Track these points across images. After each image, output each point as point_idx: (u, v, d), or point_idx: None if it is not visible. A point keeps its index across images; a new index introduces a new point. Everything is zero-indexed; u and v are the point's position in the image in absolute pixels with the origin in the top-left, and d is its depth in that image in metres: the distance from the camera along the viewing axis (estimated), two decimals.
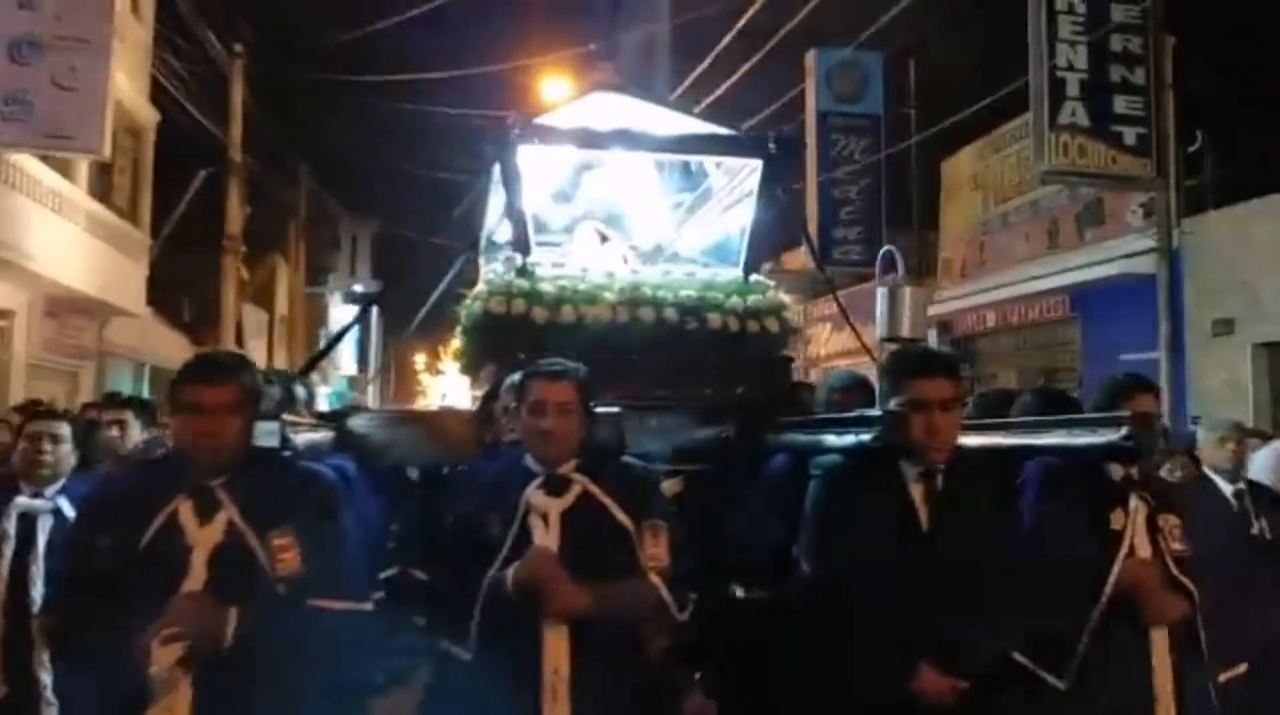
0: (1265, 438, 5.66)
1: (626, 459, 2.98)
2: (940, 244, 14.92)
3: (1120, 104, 9.67)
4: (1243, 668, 3.12)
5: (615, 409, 3.32)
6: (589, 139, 4.64)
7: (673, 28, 19.31)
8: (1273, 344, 9.01)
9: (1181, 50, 9.78)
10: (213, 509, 2.49)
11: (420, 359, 38.84)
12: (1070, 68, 9.58)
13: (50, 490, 3.92)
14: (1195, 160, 9.95)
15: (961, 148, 13.98)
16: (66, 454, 3.97)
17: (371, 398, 33.40)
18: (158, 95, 14.60)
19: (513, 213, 4.53)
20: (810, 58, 15.46)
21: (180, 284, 17.91)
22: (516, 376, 3.18)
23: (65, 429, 4.01)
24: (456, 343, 5.26)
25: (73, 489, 3.87)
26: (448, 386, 24.50)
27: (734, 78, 14.73)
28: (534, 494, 2.74)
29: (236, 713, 2.40)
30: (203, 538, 2.45)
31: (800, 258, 14.78)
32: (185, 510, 2.48)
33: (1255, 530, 4.43)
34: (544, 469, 2.80)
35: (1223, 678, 3.02)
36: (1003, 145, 12.80)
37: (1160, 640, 2.84)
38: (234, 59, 16.27)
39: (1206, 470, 4.56)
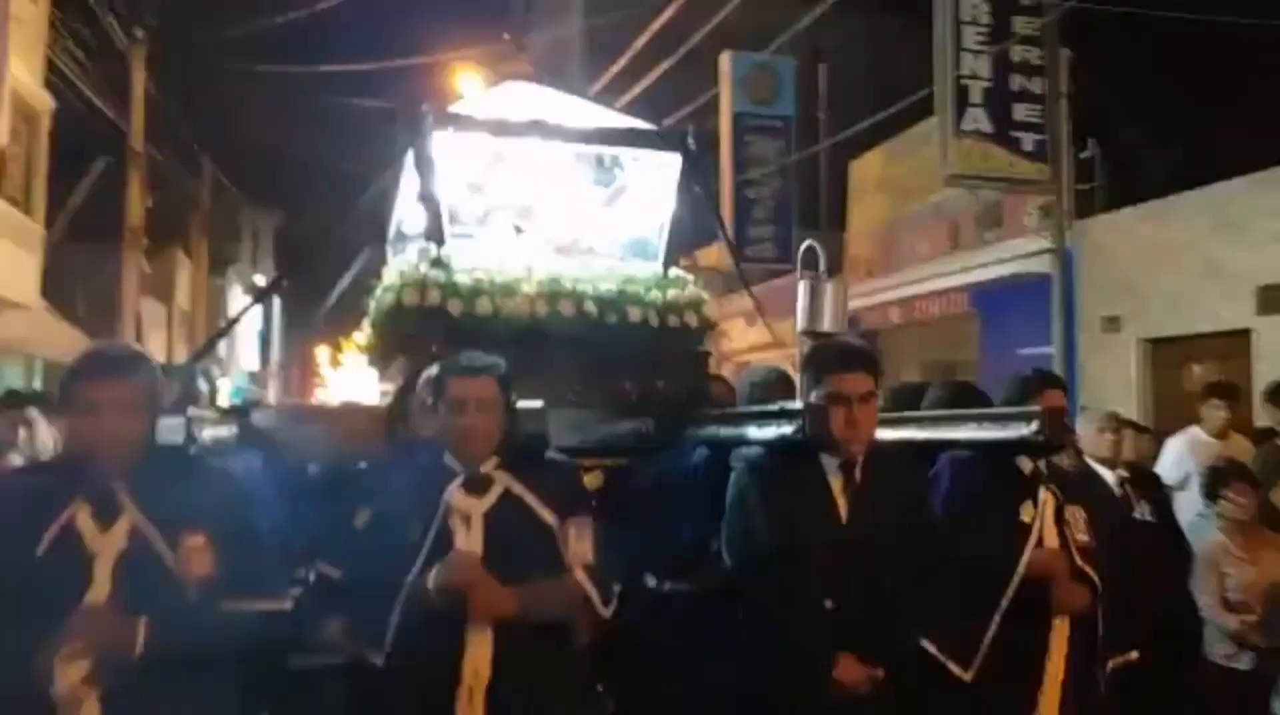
0: (1139, 430, 6.06)
1: (549, 454, 2.93)
2: (848, 243, 15.37)
3: (1020, 111, 10.13)
4: (1134, 654, 3.21)
5: (538, 403, 3.30)
6: (505, 128, 4.54)
7: (586, 29, 19.41)
8: (1157, 340, 9.59)
9: (1077, 62, 10.30)
10: (114, 513, 2.33)
11: (323, 352, 38.11)
12: (974, 76, 10.01)
13: None
14: (1087, 166, 10.50)
15: (869, 150, 14.44)
16: None
17: (273, 393, 32.70)
18: (53, 80, 14.08)
19: (427, 201, 4.42)
20: (725, 60, 15.76)
21: (75, 276, 17.30)
22: (434, 371, 3.09)
23: None
24: (364, 335, 5.19)
25: None
26: (351, 381, 24.05)
27: (649, 79, 14.90)
28: (455, 494, 2.67)
29: None
30: (105, 545, 2.29)
31: (715, 254, 15.03)
32: (83, 516, 2.30)
33: (1138, 514, 4.74)
34: (464, 467, 2.73)
35: (1112, 664, 3.10)
36: (907, 149, 13.27)
37: (1061, 629, 2.93)
38: (135, 44, 15.75)
39: (1088, 459, 4.78)
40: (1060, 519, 3.02)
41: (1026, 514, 2.98)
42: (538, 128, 4.55)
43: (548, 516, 2.70)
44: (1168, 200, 9.40)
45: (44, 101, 13.83)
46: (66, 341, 17.19)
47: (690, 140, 4.76)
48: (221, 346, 27.53)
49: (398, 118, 4.50)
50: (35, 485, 2.43)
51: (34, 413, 4.82)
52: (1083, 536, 3.04)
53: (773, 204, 15.96)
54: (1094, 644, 2.99)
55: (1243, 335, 8.56)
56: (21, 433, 4.66)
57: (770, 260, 15.23)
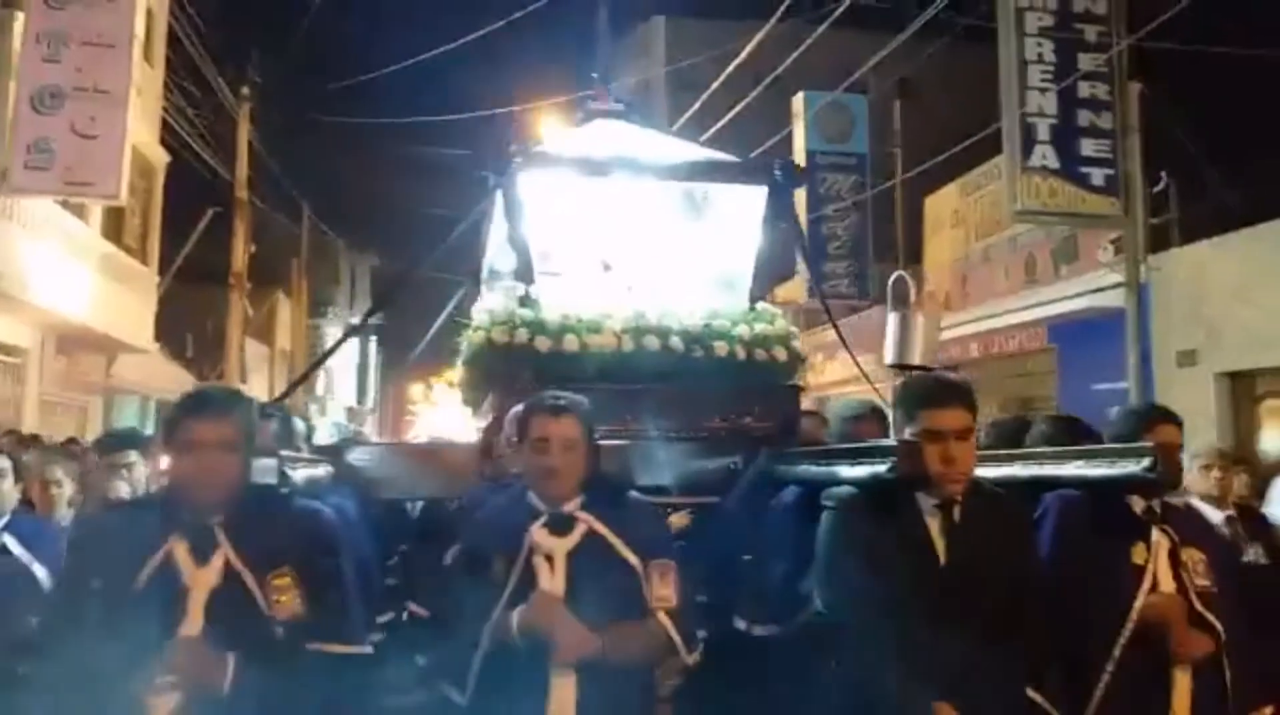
0: (1246, 466, 5.64)
1: (633, 494, 2.87)
2: (925, 277, 15.41)
3: (1088, 147, 10.17)
4: (1269, 711, 2.94)
5: (622, 442, 3.27)
6: (591, 166, 4.54)
7: (668, 73, 19.92)
8: (1233, 373, 9.47)
9: (1146, 95, 10.30)
10: (209, 549, 2.38)
11: (418, 390, 39.23)
12: (1040, 113, 10.10)
13: None
14: (1160, 200, 10.45)
15: (944, 185, 14.52)
16: (8, 489, 3.64)
17: (370, 429, 33.73)
18: (166, 136, 15.09)
19: (515, 241, 4.45)
20: (798, 100, 16.04)
21: (184, 320, 18.34)
22: (518, 409, 3.08)
23: (4, 462, 3.69)
24: (457, 373, 5.24)
25: (21, 526, 3.60)
26: (443, 418, 24.65)
27: (724, 120, 15.26)
28: (538, 533, 2.64)
29: None
30: (200, 579, 2.35)
31: (793, 289, 15.25)
32: (181, 551, 2.37)
33: (1248, 557, 4.37)
34: (548, 506, 2.70)
35: None
36: (981, 184, 13.33)
37: (1183, 679, 2.72)
38: (241, 101, 16.79)
39: (1192, 499, 4.40)
40: (1176, 561, 2.82)
41: (1139, 556, 2.79)
42: (624, 164, 4.55)
43: (631, 557, 2.65)
44: (1242, 233, 9.33)
45: (159, 157, 14.83)
46: (177, 382, 18.24)
47: (777, 171, 4.71)
48: (320, 384, 28.66)
49: (487, 159, 4.56)
50: (137, 519, 2.51)
51: (133, 456, 4.64)
52: (1202, 580, 2.83)
53: (848, 240, 16.13)
54: (1221, 697, 2.77)
55: None
56: (122, 476, 4.42)
57: (846, 296, 15.36)
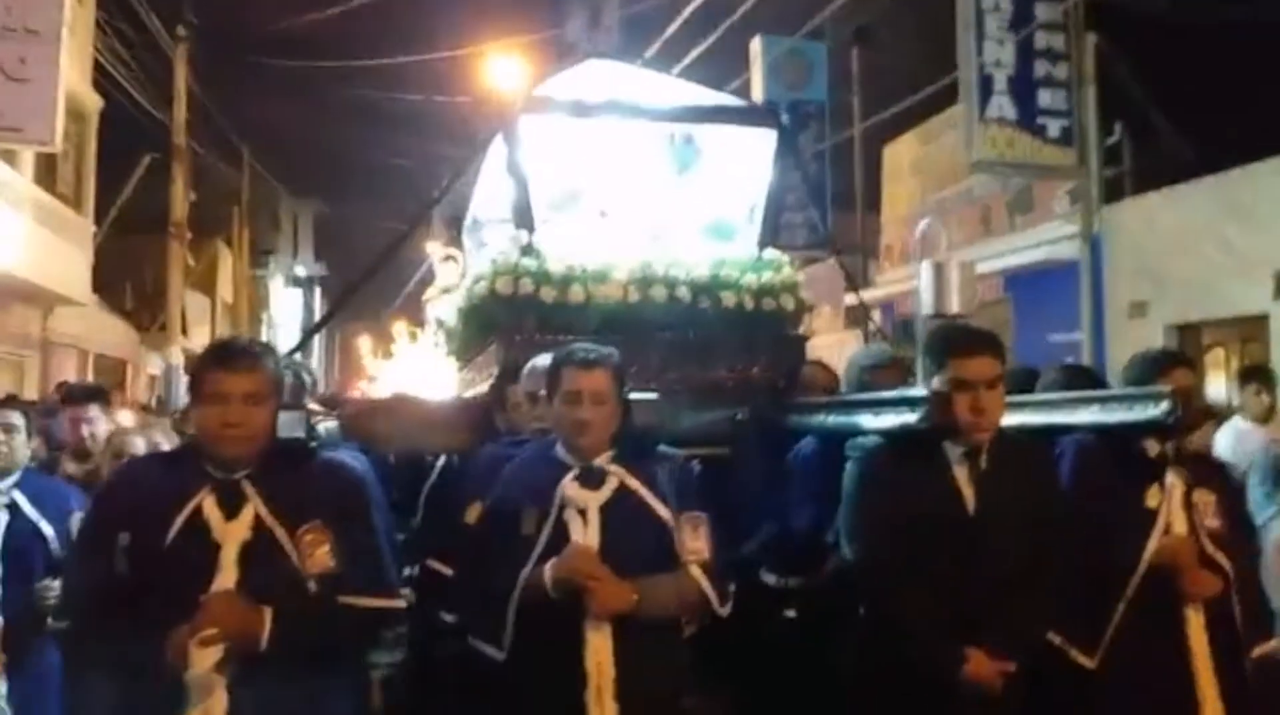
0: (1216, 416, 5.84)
1: (663, 448, 2.84)
2: (882, 228, 15.45)
3: (1045, 98, 10.20)
4: (1275, 642, 2.98)
5: (653, 396, 3.24)
6: (593, 109, 4.39)
7: (623, 12, 19.53)
8: (1182, 326, 9.64)
9: (1102, 47, 10.32)
10: (239, 503, 2.35)
11: (365, 343, 38.66)
12: (998, 64, 10.08)
13: (4, 484, 3.52)
14: (1115, 151, 10.53)
15: (903, 134, 14.49)
16: (20, 445, 3.61)
17: (320, 385, 33.12)
18: (100, 78, 14.50)
19: (517, 188, 4.32)
20: (755, 45, 15.82)
21: (123, 271, 17.83)
22: (541, 361, 3.04)
23: (19, 419, 3.66)
24: (446, 324, 5.08)
25: (30, 483, 3.58)
26: (403, 372, 24.33)
27: (683, 64, 15.02)
28: (570, 487, 2.61)
29: None
30: (230, 534, 2.32)
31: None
32: (209, 505, 2.34)
33: None
34: (579, 461, 2.66)
35: (1257, 652, 2.90)
36: (939, 133, 13.33)
37: (1195, 619, 2.77)
38: (178, 42, 16.16)
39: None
40: (1189, 503, 2.86)
41: (1153, 499, 2.83)
42: (625, 107, 4.42)
43: (663, 511, 2.63)
44: (1189, 185, 9.45)
45: (92, 101, 14.24)
46: (116, 335, 17.76)
47: (785, 115, 4.87)
48: (264, 337, 28.12)
49: (483, 104, 4.50)
50: (164, 473, 2.47)
51: (95, 410, 4.67)
52: (1213, 522, 2.86)
53: (806, 190, 16.02)
54: (1234, 634, 2.83)
55: (1261, 320, 8.61)
56: (85, 431, 4.50)
57: (803, 246, 15.31)
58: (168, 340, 16.45)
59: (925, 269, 5.47)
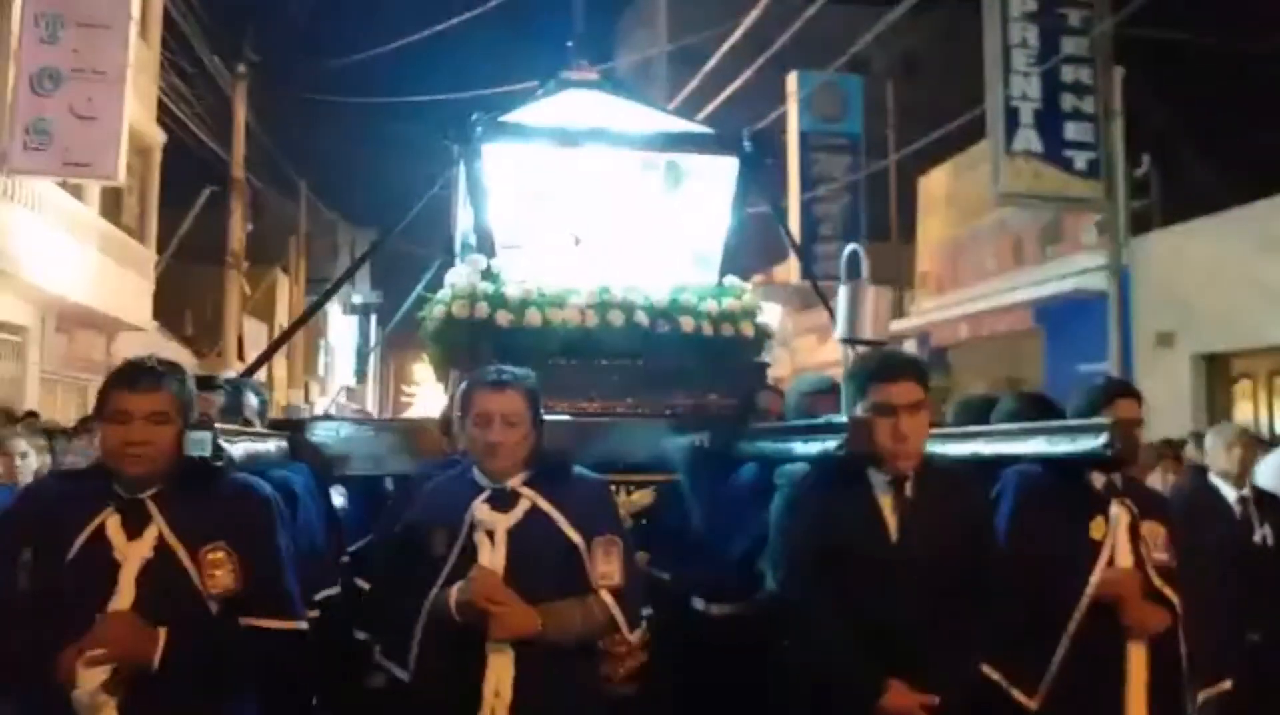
0: (1266, 445, 5.65)
1: (578, 470, 2.80)
2: (917, 258, 15.56)
3: (1071, 131, 10.32)
4: (1227, 684, 2.96)
5: (564, 417, 3.18)
6: (557, 135, 4.41)
7: (669, 46, 19.96)
8: (1210, 356, 9.65)
9: (1128, 80, 10.42)
10: (142, 523, 2.35)
11: (418, 368, 39.39)
12: (1024, 97, 10.24)
13: None
14: (1142, 183, 10.59)
15: (938, 165, 14.64)
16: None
17: (372, 407, 33.85)
18: (163, 115, 15.18)
19: (477, 213, 4.34)
20: (791, 80, 16.10)
21: (183, 298, 18.48)
22: (462, 385, 2.99)
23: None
24: (427, 349, 5.10)
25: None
26: (427, 395, 24.80)
27: (722, 96, 15.32)
28: (480, 508, 2.60)
29: None
30: (131, 553, 2.32)
31: (789, 270, 15.38)
32: (113, 524, 2.34)
33: (1258, 537, 4.33)
34: (491, 482, 2.65)
35: (1203, 696, 2.89)
36: (971, 166, 13.45)
37: (1137, 654, 2.72)
38: (237, 80, 16.86)
39: (1213, 477, 4.44)
40: (1135, 536, 2.81)
41: (1097, 530, 2.78)
42: (590, 134, 4.44)
43: (574, 535, 2.60)
44: (1217, 217, 9.50)
45: (156, 137, 14.90)
46: (177, 360, 18.39)
47: (747, 143, 4.61)
48: (320, 363, 28.83)
49: (447, 129, 4.45)
50: (70, 491, 2.47)
51: None
52: (1161, 555, 2.82)
53: (841, 220, 16.25)
54: (1177, 671, 2.78)
55: None
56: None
57: (837, 277, 15.47)
58: (225, 365, 17.05)
59: (843, 293, 5.56)
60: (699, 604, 3.41)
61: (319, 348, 29.93)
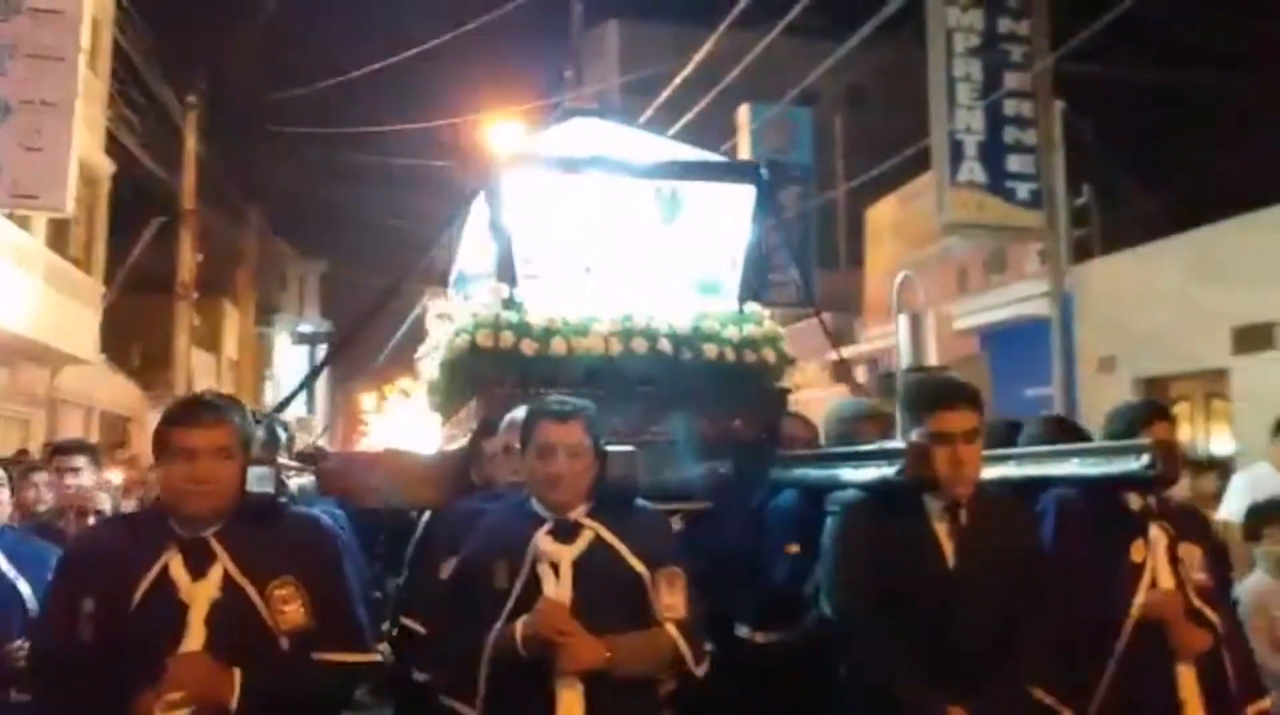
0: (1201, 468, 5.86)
1: (640, 502, 2.79)
2: (865, 285, 15.87)
3: (1014, 163, 10.66)
4: (1267, 702, 2.95)
5: (629, 448, 3.12)
6: (576, 165, 4.46)
7: (623, 78, 20.22)
8: (1149, 379, 9.99)
9: (1068, 113, 10.80)
10: (206, 562, 2.31)
11: (369, 399, 39.00)
12: (968, 130, 10.56)
13: None
14: (1083, 212, 10.96)
15: (887, 194, 14.99)
16: (4, 502, 3.56)
17: (320, 440, 33.33)
18: (112, 145, 15.02)
19: (498, 242, 4.37)
20: (743, 112, 16.40)
21: (130, 330, 18.19)
22: (519, 413, 2.99)
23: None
24: (429, 379, 5.11)
25: (7, 540, 3.50)
26: (397, 427, 24.59)
27: (676, 127, 15.54)
28: (543, 540, 2.56)
29: None
30: (198, 594, 2.28)
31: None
32: (176, 565, 2.30)
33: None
34: (553, 514, 2.62)
35: (1252, 711, 2.88)
36: (917, 196, 13.80)
37: (1187, 674, 2.73)
38: (188, 110, 16.75)
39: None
40: (1174, 557, 2.84)
41: (1138, 553, 2.81)
42: (608, 163, 4.48)
43: (638, 566, 2.58)
44: (1154, 245, 9.88)
45: (104, 167, 14.74)
46: (122, 393, 18.12)
47: (764, 170, 4.70)
48: (269, 393, 28.50)
49: (465, 161, 4.60)
50: (127, 534, 2.43)
51: (81, 461, 4.65)
52: (1200, 575, 2.85)
53: (786, 248, 16.50)
54: (1227, 690, 2.80)
55: (1222, 374, 8.95)
56: (71, 484, 4.42)
57: (786, 304, 15.74)
58: (174, 398, 16.80)
59: (902, 322, 5.62)
60: (744, 631, 3.39)
61: (267, 378, 29.55)
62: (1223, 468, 6.57)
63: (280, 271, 32.38)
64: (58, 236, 13.64)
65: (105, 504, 4.04)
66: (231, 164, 20.25)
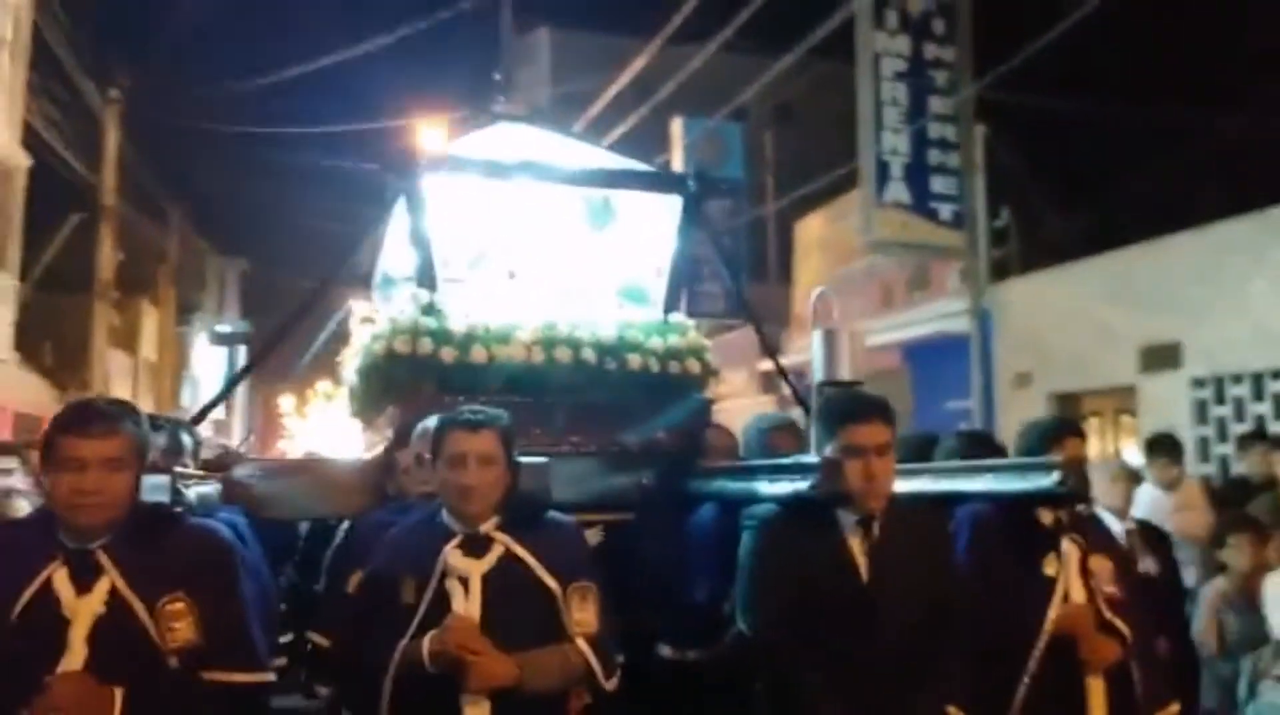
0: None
1: (552, 515, 2.73)
2: (794, 299, 16.18)
3: (937, 184, 11.05)
4: (1175, 707, 3.01)
5: (542, 460, 3.11)
6: (500, 170, 4.38)
7: (552, 86, 20.29)
8: (1062, 395, 10.44)
9: (990, 138, 11.22)
10: (92, 575, 2.19)
11: (286, 402, 38.28)
12: (894, 152, 10.91)
13: None
14: (1001, 234, 11.40)
15: (814, 210, 15.33)
16: None
17: (236, 443, 32.70)
18: (29, 138, 14.61)
19: (418, 246, 4.28)
20: (676, 125, 16.63)
21: (44, 329, 17.68)
22: (430, 423, 2.91)
23: None
24: (347, 385, 5.00)
25: None
26: (317, 432, 24.19)
27: (609, 138, 15.69)
28: (452, 554, 2.51)
29: None
30: (81, 609, 2.16)
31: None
32: (60, 578, 2.18)
33: (1143, 568, 4.40)
34: (463, 527, 2.56)
35: None
36: (844, 213, 14.16)
37: (1096, 686, 2.78)
38: (109, 104, 16.35)
39: (1099, 509, 4.45)
40: (1085, 570, 2.88)
41: (1050, 567, 2.84)
42: (534, 169, 4.42)
43: (550, 581, 2.54)
44: (1069, 267, 10.31)
45: (20, 159, 14.34)
46: (35, 393, 17.56)
47: (691, 181, 4.67)
48: (186, 395, 27.84)
49: (388, 163, 4.37)
50: (11, 542, 2.30)
51: (12, 463, 4.63)
52: (1109, 587, 2.90)
53: (719, 258, 16.75)
54: (1131, 700, 2.84)
55: (1130, 390, 9.40)
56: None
57: (719, 315, 16.00)
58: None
59: (817, 337, 5.67)
60: (665, 650, 3.38)
61: (184, 379, 28.87)
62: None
63: (200, 270, 31.65)
64: None
65: (25, 509, 3.87)
66: (153, 161, 19.82)
